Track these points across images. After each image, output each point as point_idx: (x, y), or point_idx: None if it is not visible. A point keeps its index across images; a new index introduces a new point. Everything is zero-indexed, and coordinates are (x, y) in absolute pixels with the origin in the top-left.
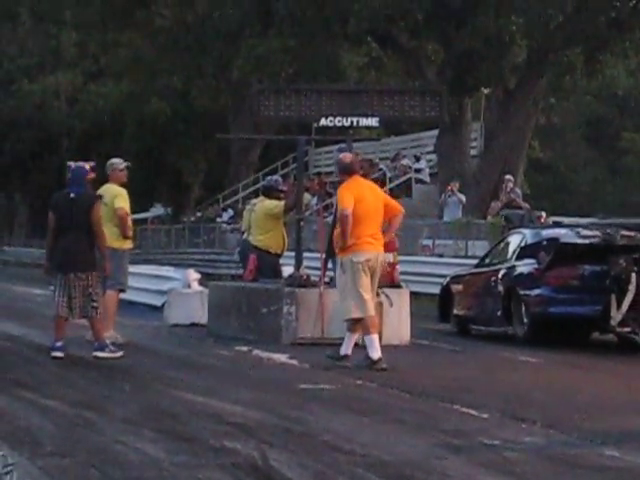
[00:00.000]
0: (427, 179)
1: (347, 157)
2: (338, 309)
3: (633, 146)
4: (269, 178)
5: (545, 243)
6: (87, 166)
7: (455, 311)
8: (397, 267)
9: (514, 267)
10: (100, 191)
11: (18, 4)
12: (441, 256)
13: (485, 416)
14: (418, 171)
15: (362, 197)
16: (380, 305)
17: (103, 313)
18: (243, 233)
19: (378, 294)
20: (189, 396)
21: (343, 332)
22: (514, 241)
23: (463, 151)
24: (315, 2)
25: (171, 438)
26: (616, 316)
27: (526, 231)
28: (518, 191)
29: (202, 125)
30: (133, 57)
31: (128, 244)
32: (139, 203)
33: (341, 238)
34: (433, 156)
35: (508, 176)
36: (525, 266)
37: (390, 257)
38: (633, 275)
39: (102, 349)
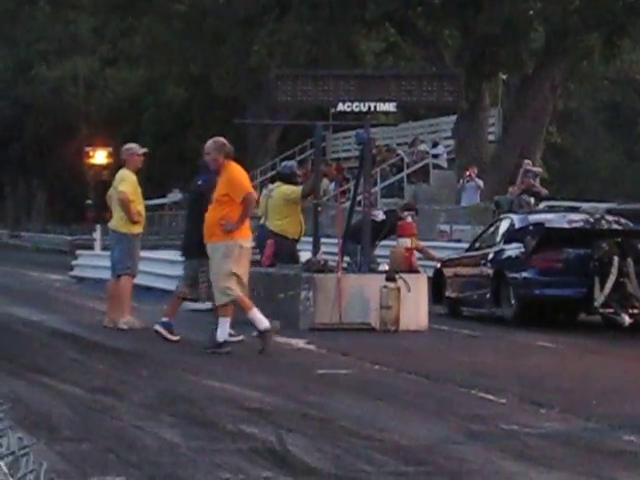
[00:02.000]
0: (445, 165)
1: (225, 141)
2: (215, 293)
3: None
4: (285, 164)
5: (531, 228)
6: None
7: (447, 293)
8: (414, 252)
9: (502, 251)
10: (117, 176)
11: None
12: (459, 241)
13: (503, 401)
14: (436, 157)
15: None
16: (398, 290)
17: (118, 299)
18: (259, 219)
19: (396, 279)
20: (206, 381)
21: (361, 317)
22: (503, 226)
23: (481, 136)
24: None
25: (188, 423)
26: (599, 298)
27: (514, 216)
28: (536, 169)
29: (220, 110)
30: (150, 43)
31: (137, 229)
32: (157, 188)
33: (239, 222)
34: (451, 142)
35: (527, 160)
36: (512, 250)
37: (407, 242)
38: (615, 258)
39: (162, 325)
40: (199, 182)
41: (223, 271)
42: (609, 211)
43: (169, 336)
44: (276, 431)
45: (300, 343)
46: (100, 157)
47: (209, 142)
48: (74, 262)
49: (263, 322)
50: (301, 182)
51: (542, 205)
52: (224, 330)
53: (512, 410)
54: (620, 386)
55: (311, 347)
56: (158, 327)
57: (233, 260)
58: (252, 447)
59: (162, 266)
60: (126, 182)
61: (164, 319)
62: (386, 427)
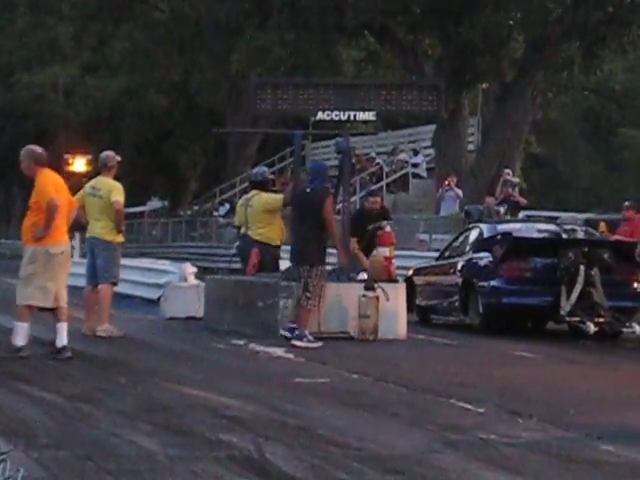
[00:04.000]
0: (424, 174)
1: (37, 148)
2: (18, 293)
3: (631, 142)
4: (256, 171)
5: (500, 237)
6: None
7: (417, 301)
8: (393, 261)
9: (471, 260)
10: (94, 184)
11: None
12: (438, 250)
13: (481, 410)
14: (415, 166)
15: (61, 188)
16: (377, 299)
17: (99, 307)
18: (237, 228)
19: (374, 288)
20: (185, 389)
21: (340, 326)
22: (472, 235)
23: (460, 146)
24: None
25: (166, 431)
26: (565, 306)
27: (483, 225)
28: (514, 179)
29: (200, 119)
30: (130, 50)
31: (120, 237)
32: (136, 196)
33: (45, 228)
34: (430, 151)
35: (507, 170)
36: (481, 259)
37: (386, 251)
38: (582, 268)
39: (300, 339)
40: (307, 189)
41: (24, 275)
42: (587, 221)
43: (311, 345)
44: (254, 439)
45: (279, 351)
46: (79, 164)
47: (22, 150)
48: None
49: (20, 340)
50: (278, 189)
51: (521, 215)
52: (19, 335)
53: (490, 419)
54: (598, 396)
55: (289, 355)
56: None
57: (38, 266)
58: (230, 455)
59: (141, 274)
60: (118, 191)
61: (290, 325)
62: (364, 436)
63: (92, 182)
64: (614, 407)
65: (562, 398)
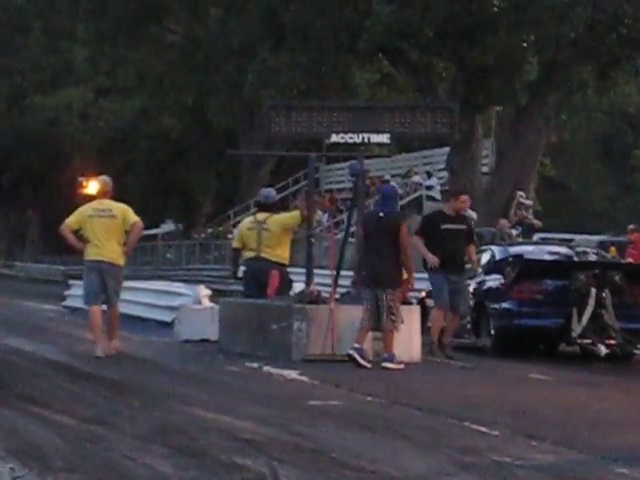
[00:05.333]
0: (438, 196)
1: None
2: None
3: None
4: (267, 194)
5: (511, 259)
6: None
7: (429, 324)
8: (408, 286)
9: (483, 282)
10: (97, 206)
11: (30, 19)
12: None
13: (496, 433)
14: (429, 188)
15: None
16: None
17: (110, 327)
18: (237, 250)
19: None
20: (199, 412)
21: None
22: (484, 257)
23: (474, 168)
24: (325, 16)
25: (180, 454)
26: (577, 328)
27: (495, 248)
28: (527, 202)
29: (213, 141)
30: (143, 73)
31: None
32: (150, 219)
33: None
34: (444, 173)
35: (520, 192)
36: (493, 281)
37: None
38: (593, 290)
39: (391, 360)
40: (380, 214)
41: None
42: (601, 243)
43: (362, 362)
44: (268, 462)
45: (292, 374)
46: (94, 187)
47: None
48: (67, 292)
49: None
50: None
51: (535, 237)
52: None
53: (504, 442)
54: (612, 418)
55: (304, 378)
56: (352, 352)
57: None
58: (244, 478)
59: (156, 296)
60: (132, 212)
61: (356, 345)
62: (378, 459)
63: (93, 204)
64: (628, 429)
65: (576, 420)
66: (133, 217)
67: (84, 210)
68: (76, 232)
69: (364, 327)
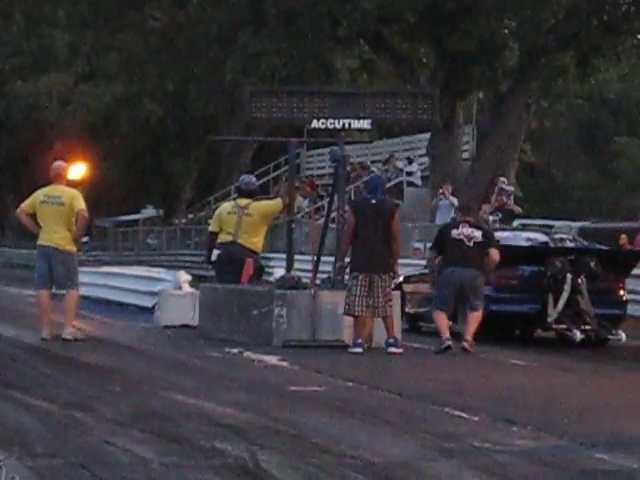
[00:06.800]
0: (419, 182)
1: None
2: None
3: (625, 150)
4: (248, 180)
5: None
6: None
7: (406, 309)
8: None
9: None
10: (48, 192)
11: (11, 4)
12: None
13: (476, 419)
14: (410, 174)
15: None
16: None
17: (66, 311)
18: (213, 234)
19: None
20: (179, 397)
21: (334, 334)
22: None
23: (455, 154)
24: (307, 2)
25: (161, 439)
26: (552, 314)
27: None
28: (508, 188)
29: (194, 127)
30: (125, 59)
31: (75, 247)
32: (131, 204)
33: None
34: (425, 159)
35: (502, 178)
36: None
37: None
38: (568, 276)
39: (396, 345)
40: (373, 200)
41: None
42: (582, 229)
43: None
44: (249, 448)
45: (273, 360)
46: (75, 173)
47: None
48: None
49: None
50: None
51: (515, 223)
52: None
53: (484, 428)
54: (593, 404)
55: (284, 364)
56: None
57: None
58: (225, 463)
59: (136, 282)
60: (81, 199)
61: (359, 341)
62: (359, 444)
63: (46, 190)
64: (608, 415)
65: (556, 406)
66: (78, 205)
67: (37, 195)
68: (33, 216)
69: (359, 320)
